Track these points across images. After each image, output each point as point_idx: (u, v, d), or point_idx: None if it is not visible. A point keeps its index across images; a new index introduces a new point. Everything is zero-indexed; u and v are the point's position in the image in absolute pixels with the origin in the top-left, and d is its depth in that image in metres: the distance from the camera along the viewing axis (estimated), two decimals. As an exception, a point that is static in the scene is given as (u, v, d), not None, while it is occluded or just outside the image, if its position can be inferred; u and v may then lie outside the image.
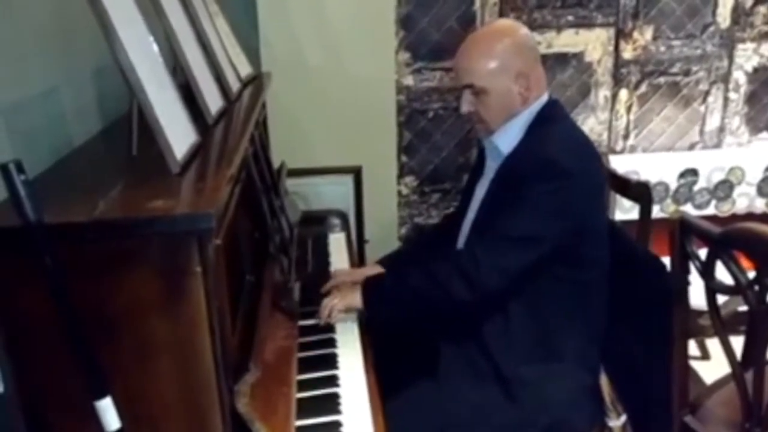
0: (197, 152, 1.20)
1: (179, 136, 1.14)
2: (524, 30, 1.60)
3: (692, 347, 2.50)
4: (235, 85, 1.75)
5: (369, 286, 1.59)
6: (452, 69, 1.67)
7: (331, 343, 1.56)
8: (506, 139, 1.58)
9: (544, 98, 1.60)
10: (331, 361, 1.48)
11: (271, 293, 1.57)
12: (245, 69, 2.03)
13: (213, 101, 1.47)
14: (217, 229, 0.98)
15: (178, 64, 1.41)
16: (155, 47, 1.19)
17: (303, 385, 1.39)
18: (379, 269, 1.82)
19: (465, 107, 1.60)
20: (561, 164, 1.45)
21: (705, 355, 2.66)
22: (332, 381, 1.42)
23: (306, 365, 1.45)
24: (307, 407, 1.32)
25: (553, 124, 1.56)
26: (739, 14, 2.80)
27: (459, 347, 1.58)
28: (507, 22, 1.70)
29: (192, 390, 1.02)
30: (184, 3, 1.54)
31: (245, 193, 1.37)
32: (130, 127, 1.23)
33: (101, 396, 0.88)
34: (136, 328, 0.98)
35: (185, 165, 1.11)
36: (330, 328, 1.61)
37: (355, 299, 1.58)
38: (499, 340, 1.54)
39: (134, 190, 1.07)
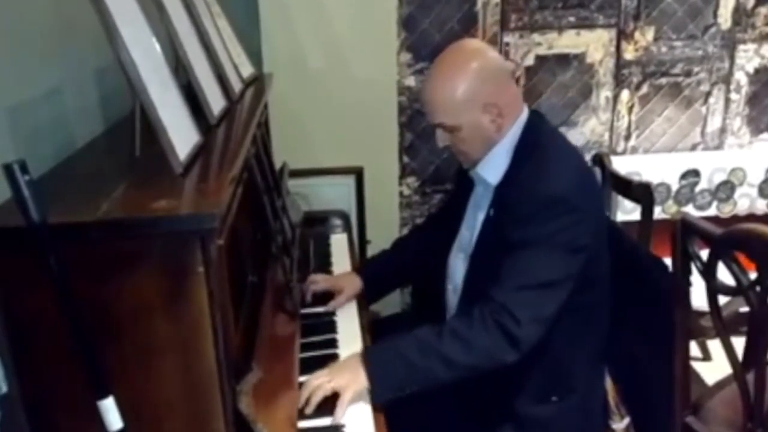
0: (200, 153, 1.20)
1: (182, 136, 1.14)
2: (488, 53, 1.49)
3: (694, 348, 2.50)
4: (237, 86, 1.75)
5: (373, 365, 1.36)
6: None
7: (333, 343, 1.56)
8: (492, 168, 1.51)
9: (524, 116, 1.52)
10: (332, 362, 1.48)
11: (273, 293, 1.58)
12: (247, 69, 2.03)
13: (215, 102, 1.47)
14: (219, 230, 0.98)
15: (181, 65, 1.41)
16: (158, 47, 1.19)
17: (305, 386, 1.39)
18: (355, 279, 1.76)
19: (440, 143, 1.54)
20: (567, 198, 1.38)
21: (706, 356, 2.66)
22: (334, 381, 1.42)
23: (308, 365, 1.45)
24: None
25: (541, 146, 1.48)
26: (740, 15, 2.81)
27: (472, 387, 1.53)
28: (469, 47, 1.52)
29: (194, 390, 1.02)
30: (186, 3, 1.55)
31: (247, 194, 1.37)
32: (133, 128, 1.23)
33: (104, 396, 0.88)
34: (139, 328, 0.98)
35: (188, 165, 1.11)
36: (332, 328, 1.61)
37: (359, 381, 1.34)
38: (512, 379, 1.49)
39: (137, 191, 1.07)
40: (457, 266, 1.63)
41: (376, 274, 1.80)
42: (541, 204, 1.38)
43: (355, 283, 1.76)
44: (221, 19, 1.95)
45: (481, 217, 1.55)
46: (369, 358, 1.38)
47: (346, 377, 1.34)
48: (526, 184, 1.42)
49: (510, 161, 1.49)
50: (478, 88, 1.44)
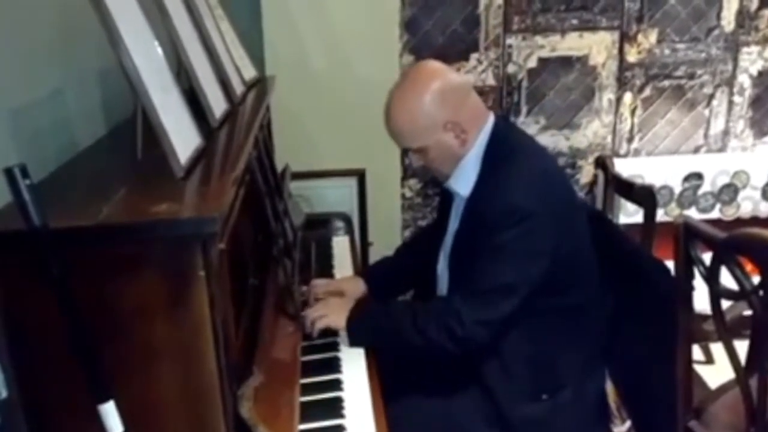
0: (201, 156, 1.20)
1: (183, 139, 1.14)
2: (444, 73, 1.53)
3: (696, 352, 2.49)
4: (239, 89, 1.75)
5: (356, 314, 1.57)
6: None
7: (334, 346, 1.56)
8: (462, 181, 1.55)
9: (489, 124, 1.54)
10: (334, 365, 1.48)
11: (274, 297, 1.58)
12: (249, 72, 2.03)
13: (217, 104, 1.47)
14: (221, 233, 0.98)
15: (183, 68, 1.41)
16: (159, 51, 1.19)
17: (306, 389, 1.39)
18: (359, 283, 1.77)
19: (415, 163, 1.64)
20: (523, 207, 1.41)
21: (709, 360, 2.65)
22: (335, 385, 1.42)
23: (309, 369, 1.45)
24: (310, 411, 1.32)
25: (506, 155, 1.51)
26: (743, 18, 2.80)
27: (463, 388, 1.56)
28: (425, 70, 1.55)
29: (195, 394, 1.02)
30: (188, 6, 1.55)
31: (249, 197, 1.37)
32: (135, 131, 1.23)
33: (104, 400, 0.87)
34: (139, 332, 0.98)
35: (189, 169, 1.11)
36: (333, 332, 1.61)
37: (339, 320, 1.56)
38: (499, 380, 1.53)
39: (139, 194, 1.07)
40: (443, 273, 1.66)
41: (379, 279, 1.81)
42: (500, 213, 1.43)
43: (359, 287, 1.76)
44: (223, 21, 1.96)
45: (457, 226, 1.59)
46: (354, 315, 1.56)
47: (333, 319, 1.57)
48: (490, 195, 1.48)
49: (478, 172, 1.53)
50: (436, 110, 1.49)
